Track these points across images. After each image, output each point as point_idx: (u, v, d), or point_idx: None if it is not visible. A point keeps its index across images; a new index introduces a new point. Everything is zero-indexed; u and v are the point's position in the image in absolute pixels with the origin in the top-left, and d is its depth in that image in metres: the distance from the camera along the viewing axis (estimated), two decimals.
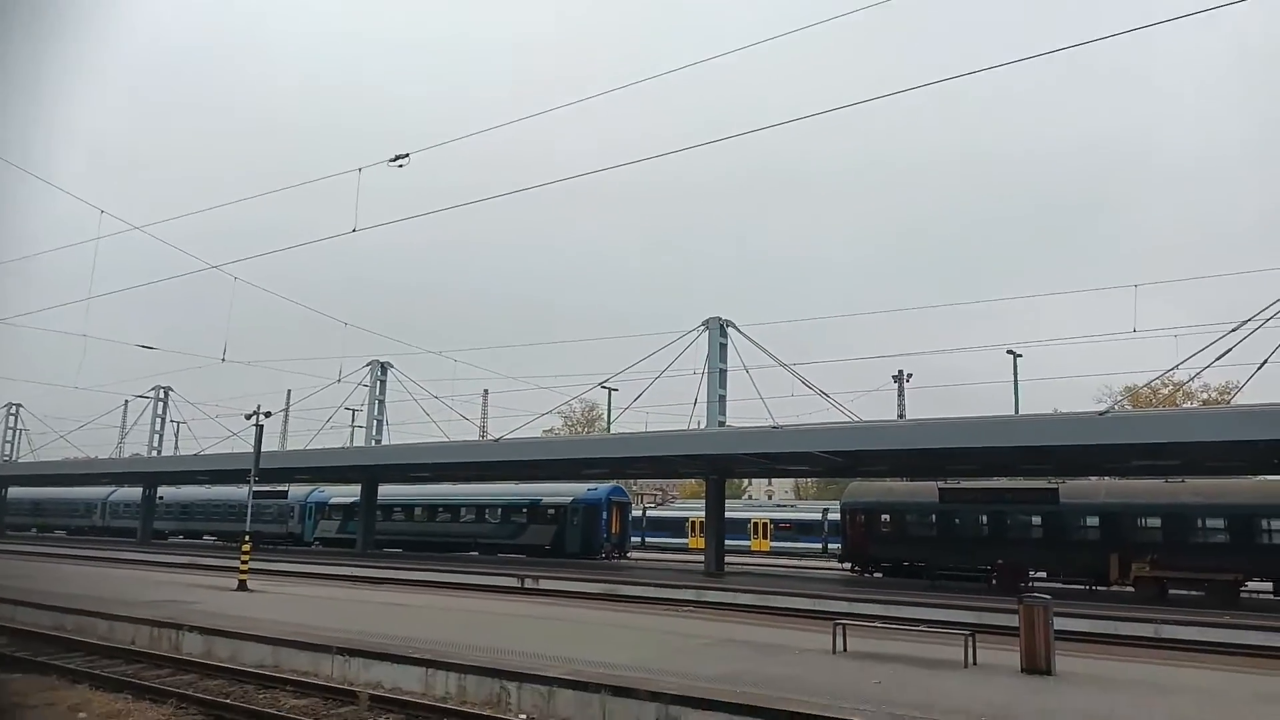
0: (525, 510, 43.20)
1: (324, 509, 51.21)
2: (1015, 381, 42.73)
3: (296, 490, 52.16)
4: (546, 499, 42.70)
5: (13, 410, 62.96)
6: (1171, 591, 26.05)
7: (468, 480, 47.58)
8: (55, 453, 58.60)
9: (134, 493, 58.35)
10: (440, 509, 46.23)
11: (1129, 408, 40.79)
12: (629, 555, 43.93)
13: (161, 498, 57.04)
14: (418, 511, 47.11)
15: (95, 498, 62.85)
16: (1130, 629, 19.23)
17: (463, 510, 45.46)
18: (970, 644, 12.30)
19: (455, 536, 44.95)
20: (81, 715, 10.04)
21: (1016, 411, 38.86)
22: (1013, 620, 18.34)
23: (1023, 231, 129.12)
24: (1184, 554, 26.06)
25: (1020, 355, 42.34)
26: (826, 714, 8.87)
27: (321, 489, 52.42)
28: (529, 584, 29.47)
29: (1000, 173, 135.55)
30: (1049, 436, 22.98)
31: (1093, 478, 33.92)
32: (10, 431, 63.01)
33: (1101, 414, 23.72)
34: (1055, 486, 29.49)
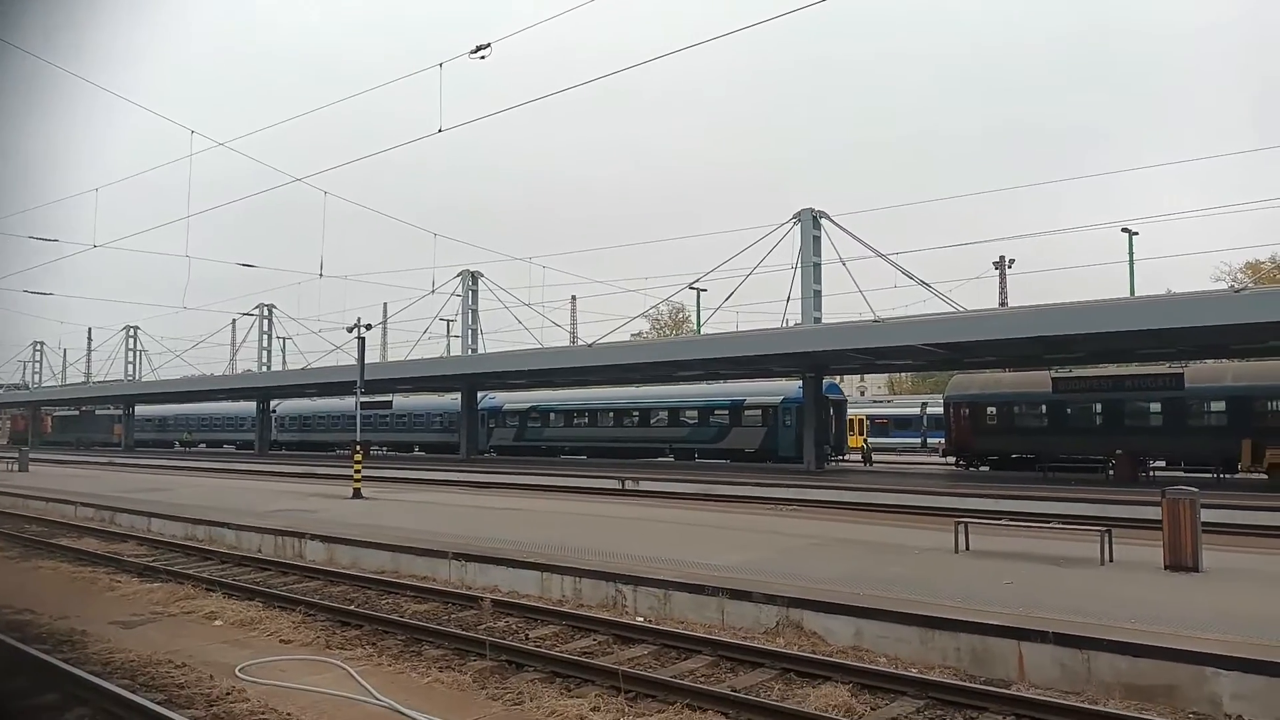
0: (727, 411, 40.07)
1: (497, 415, 48.94)
2: (1130, 261, 40.05)
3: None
4: (752, 398, 39.35)
5: (131, 332, 66.29)
6: None
7: (576, 384, 46.05)
8: (173, 372, 61.74)
9: (298, 405, 59.97)
10: (631, 412, 43.84)
11: (1251, 285, 38.16)
12: (845, 458, 39.36)
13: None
14: (602, 416, 45.02)
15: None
16: (1270, 519, 18.09)
17: (654, 413, 43.01)
18: (1106, 540, 11.62)
19: (647, 441, 42.72)
20: (218, 623, 10.42)
21: (1132, 294, 36.68)
22: (1142, 512, 17.62)
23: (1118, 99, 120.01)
24: None
25: (1136, 233, 39.78)
26: (961, 618, 8.45)
27: (492, 395, 49.47)
28: (629, 485, 29.77)
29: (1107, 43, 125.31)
30: (1178, 318, 21.39)
31: (1209, 360, 31.96)
32: (130, 353, 66.46)
33: (1236, 290, 22.04)
34: (1180, 371, 27.83)
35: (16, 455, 38.87)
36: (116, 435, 69.72)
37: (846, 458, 39.62)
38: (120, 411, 69.41)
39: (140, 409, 70.07)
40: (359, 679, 8.01)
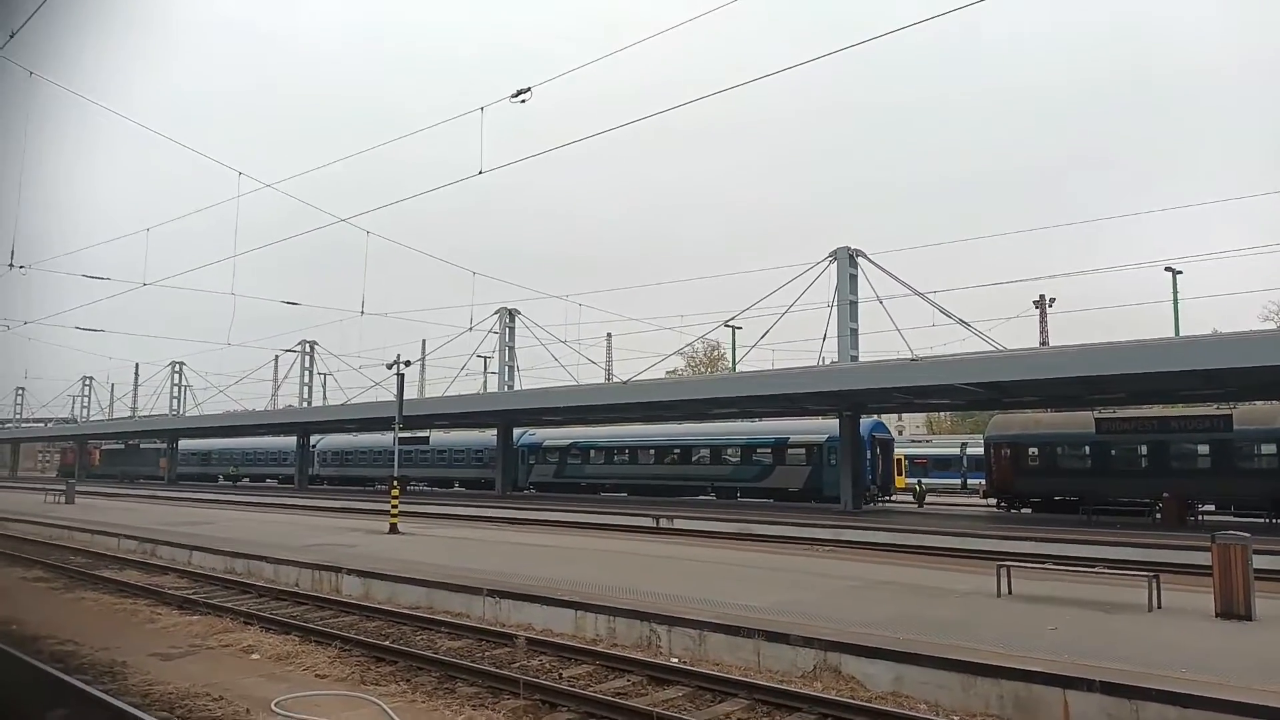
0: (771, 449, 39.07)
1: (537, 452, 48.48)
2: (1175, 301, 39.50)
3: None
4: (796, 437, 38.35)
5: (176, 368, 67.73)
6: None
7: (610, 421, 45.83)
8: (216, 407, 62.84)
9: (337, 440, 60.24)
10: (673, 450, 42.90)
11: None
12: (892, 499, 38.39)
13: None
14: (642, 453, 44.20)
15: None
16: None
17: (696, 451, 42.14)
18: (1154, 586, 11.30)
19: (689, 479, 41.98)
20: (255, 657, 10.49)
21: (1177, 333, 36.00)
22: (1190, 558, 17.13)
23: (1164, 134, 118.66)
24: None
25: (1180, 272, 39.17)
26: (1004, 664, 8.25)
27: (532, 432, 49.37)
28: (664, 523, 29.60)
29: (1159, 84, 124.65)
30: (1226, 358, 20.93)
31: (1259, 402, 31.19)
32: (175, 388, 67.88)
33: None
34: (1228, 413, 27.19)
35: (64, 488, 39.69)
36: (162, 469, 70.88)
37: (893, 498, 38.75)
38: (165, 445, 70.64)
39: (184, 443, 71.26)
40: (393, 715, 8.01)
